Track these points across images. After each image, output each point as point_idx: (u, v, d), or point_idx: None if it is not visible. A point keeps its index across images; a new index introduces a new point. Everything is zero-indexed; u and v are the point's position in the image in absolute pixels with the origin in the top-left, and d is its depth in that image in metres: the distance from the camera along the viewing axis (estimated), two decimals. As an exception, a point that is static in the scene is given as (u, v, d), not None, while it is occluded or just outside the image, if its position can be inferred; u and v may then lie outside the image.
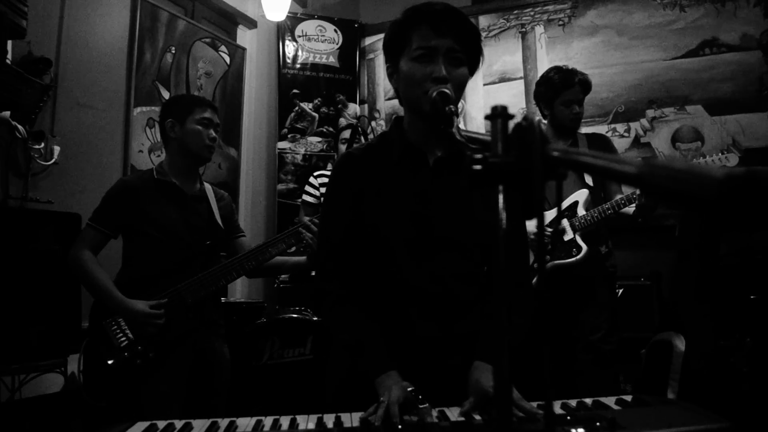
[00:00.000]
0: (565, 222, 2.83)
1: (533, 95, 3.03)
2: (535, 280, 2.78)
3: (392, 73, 1.47)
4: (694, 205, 0.39)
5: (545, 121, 2.97)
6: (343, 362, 1.48)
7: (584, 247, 2.78)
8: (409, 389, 1.20)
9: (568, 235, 2.82)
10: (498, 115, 0.63)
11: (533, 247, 2.80)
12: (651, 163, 0.44)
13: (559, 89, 2.85)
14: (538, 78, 3.07)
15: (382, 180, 1.46)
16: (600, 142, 2.97)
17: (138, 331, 2.22)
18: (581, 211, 2.83)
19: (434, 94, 1.30)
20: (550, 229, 2.81)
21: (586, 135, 3.02)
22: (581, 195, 2.85)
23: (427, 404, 1.16)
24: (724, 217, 0.37)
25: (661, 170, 0.42)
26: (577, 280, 2.79)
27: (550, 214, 2.83)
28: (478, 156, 0.60)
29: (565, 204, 2.86)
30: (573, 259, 2.78)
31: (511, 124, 0.64)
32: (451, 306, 1.41)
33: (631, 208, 2.69)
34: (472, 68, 1.46)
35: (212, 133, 2.42)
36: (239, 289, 4.65)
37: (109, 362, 2.21)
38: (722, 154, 2.76)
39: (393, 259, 1.41)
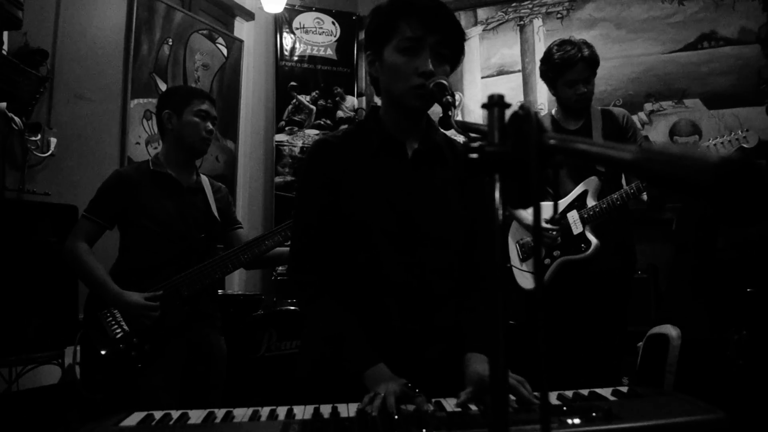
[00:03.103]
0: (574, 214, 2.66)
1: (539, 74, 2.85)
2: (547, 275, 2.72)
3: (373, 61, 1.44)
4: (689, 190, 0.38)
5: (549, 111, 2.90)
6: (314, 353, 1.47)
7: (594, 241, 2.61)
8: (404, 383, 1.20)
9: (577, 229, 2.65)
10: (495, 104, 0.63)
11: (542, 242, 2.75)
12: (647, 148, 0.44)
13: (561, 69, 2.65)
14: (536, 68, 2.98)
15: (360, 170, 1.43)
16: (611, 119, 2.76)
17: (133, 323, 2.22)
18: (591, 202, 2.64)
19: (431, 85, 1.31)
20: (554, 223, 2.67)
21: (602, 110, 2.80)
22: (591, 183, 2.67)
23: (423, 396, 1.16)
24: (719, 201, 0.37)
25: (657, 156, 0.42)
26: (588, 275, 2.64)
27: (558, 205, 2.71)
28: (475, 144, 0.60)
29: (574, 194, 2.70)
30: (582, 255, 2.62)
31: (508, 113, 0.64)
32: (428, 299, 1.41)
33: (645, 196, 2.55)
34: (453, 67, 1.44)
35: (209, 125, 2.42)
36: (237, 282, 4.65)
37: (104, 353, 2.21)
38: (740, 132, 2.61)
39: (371, 251, 1.40)
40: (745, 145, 2.56)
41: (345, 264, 1.43)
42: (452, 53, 1.41)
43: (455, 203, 1.47)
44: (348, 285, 1.42)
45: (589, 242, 2.62)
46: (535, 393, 1.17)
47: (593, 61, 2.66)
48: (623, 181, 2.69)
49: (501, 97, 0.63)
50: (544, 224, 2.64)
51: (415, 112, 1.45)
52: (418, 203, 1.42)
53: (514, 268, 2.94)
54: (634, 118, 4.30)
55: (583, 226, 2.64)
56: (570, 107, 2.73)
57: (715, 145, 2.61)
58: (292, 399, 1.20)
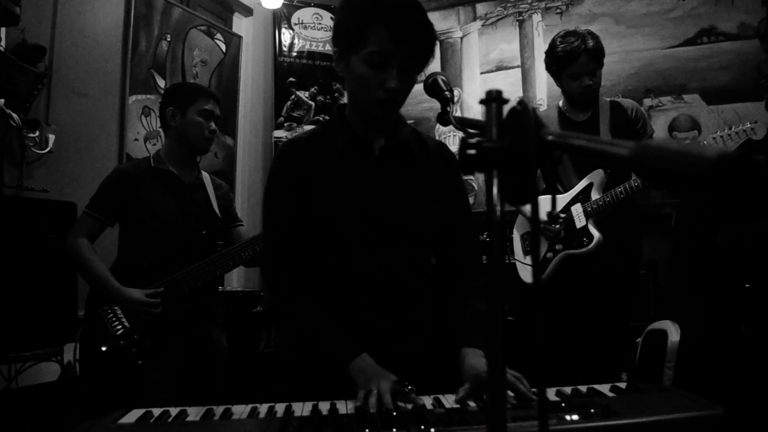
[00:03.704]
0: (578, 207, 2.62)
1: (544, 66, 2.79)
2: (549, 269, 2.69)
3: (340, 60, 1.42)
4: (688, 185, 0.38)
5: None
6: (295, 350, 1.48)
7: (596, 235, 2.56)
8: (395, 379, 1.19)
9: (581, 222, 2.61)
10: (492, 99, 0.63)
11: (545, 235, 2.74)
12: (645, 144, 0.43)
13: (564, 62, 2.60)
14: (535, 64, 2.94)
15: (328, 169, 1.44)
16: (619, 111, 2.71)
17: (134, 320, 2.22)
18: (595, 195, 2.59)
19: (430, 80, 1.31)
20: (563, 215, 2.66)
21: (611, 102, 2.75)
22: (596, 176, 2.62)
23: (415, 390, 1.16)
24: (718, 197, 0.37)
25: (655, 151, 0.41)
26: (591, 270, 2.61)
27: (561, 199, 2.70)
28: (472, 140, 0.60)
29: (579, 187, 2.65)
30: (584, 249, 2.58)
31: (506, 108, 0.63)
32: (400, 295, 1.41)
33: None
34: (422, 70, 1.42)
35: (212, 125, 2.42)
36: (236, 278, 4.65)
37: (105, 350, 2.21)
38: (748, 124, 2.54)
39: (341, 249, 1.40)
40: (753, 137, 2.51)
41: (316, 262, 1.43)
42: (421, 63, 1.40)
43: (425, 197, 1.47)
44: (320, 282, 1.42)
45: (591, 236, 2.58)
46: (534, 389, 1.17)
47: (598, 53, 2.59)
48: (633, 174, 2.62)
49: (499, 93, 0.63)
50: (545, 218, 2.63)
51: (379, 120, 1.45)
52: (386, 199, 1.42)
53: (517, 262, 2.94)
54: (635, 112, 4.30)
55: (586, 220, 2.60)
56: (576, 100, 2.69)
57: (722, 137, 2.57)
58: (275, 397, 1.20)
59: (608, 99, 2.78)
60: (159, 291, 2.24)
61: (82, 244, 2.27)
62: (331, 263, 1.42)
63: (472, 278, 1.49)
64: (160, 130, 2.54)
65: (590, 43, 2.57)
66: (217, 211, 2.48)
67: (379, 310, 1.39)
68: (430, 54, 1.41)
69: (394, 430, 0.96)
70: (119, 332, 2.23)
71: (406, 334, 1.41)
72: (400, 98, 1.38)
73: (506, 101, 0.63)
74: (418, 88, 1.40)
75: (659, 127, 4.26)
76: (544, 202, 2.50)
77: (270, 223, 1.52)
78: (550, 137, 0.56)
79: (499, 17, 4.89)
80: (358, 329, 1.36)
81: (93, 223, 2.31)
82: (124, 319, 2.24)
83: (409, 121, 5.37)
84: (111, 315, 2.25)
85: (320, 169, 1.44)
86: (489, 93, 0.63)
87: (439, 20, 5.00)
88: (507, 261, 3.02)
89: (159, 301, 2.22)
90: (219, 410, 1.11)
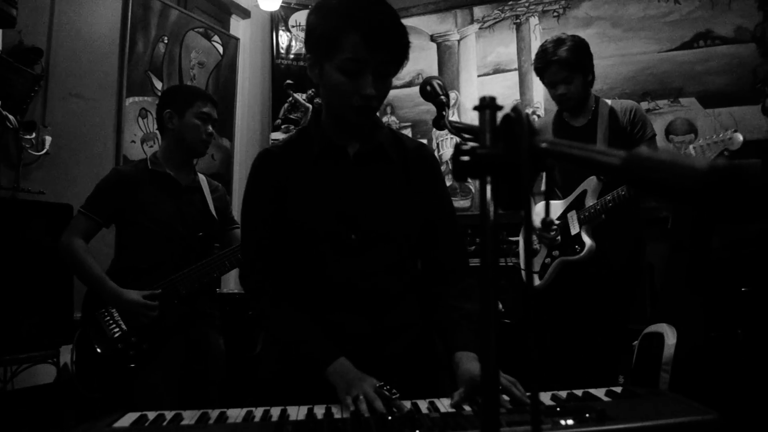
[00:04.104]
0: (573, 214, 2.63)
1: None
2: (547, 275, 2.71)
3: (313, 66, 1.40)
4: (677, 196, 0.38)
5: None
6: (274, 358, 1.49)
7: (588, 243, 2.56)
8: (376, 383, 1.19)
9: (575, 229, 2.61)
10: (486, 106, 0.63)
11: (542, 242, 2.76)
12: (635, 154, 0.43)
13: (539, 73, 2.65)
14: (532, 67, 2.94)
15: (303, 176, 1.44)
16: (617, 116, 2.66)
17: (131, 322, 2.22)
18: (588, 202, 2.60)
19: (426, 85, 1.30)
20: (558, 222, 2.67)
21: (611, 106, 2.69)
22: (589, 183, 2.61)
23: (399, 395, 1.16)
24: (707, 208, 0.37)
25: (645, 161, 0.41)
26: (586, 275, 2.60)
27: (560, 205, 2.71)
28: (466, 147, 0.60)
29: (576, 194, 2.66)
30: (576, 256, 2.59)
31: (500, 115, 0.63)
32: (379, 300, 1.41)
33: None
34: (396, 73, 1.42)
35: (210, 128, 2.42)
36: (233, 281, 4.64)
37: (102, 353, 2.21)
38: (728, 132, 2.52)
39: (319, 256, 1.40)
40: (730, 147, 2.50)
41: (295, 269, 1.43)
42: (396, 68, 1.39)
43: (403, 199, 1.46)
44: (299, 290, 1.42)
45: (583, 244, 2.58)
46: (529, 393, 1.17)
47: (566, 62, 2.55)
48: None
49: (492, 100, 0.63)
50: (539, 224, 2.65)
51: (354, 126, 1.44)
52: (361, 204, 1.42)
53: (522, 268, 2.95)
54: (631, 116, 4.30)
55: (580, 227, 2.60)
56: (560, 107, 2.72)
57: (701, 146, 2.56)
58: (267, 399, 1.20)
59: (609, 102, 2.76)
60: (156, 293, 2.24)
61: (78, 244, 2.27)
62: (310, 270, 1.42)
63: (460, 279, 1.48)
64: (157, 132, 2.54)
65: (562, 52, 2.55)
66: (213, 213, 2.48)
67: (359, 316, 1.39)
68: (405, 57, 1.40)
69: (389, 434, 0.96)
70: (116, 335, 2.22)
71: (386, 339, 1.41)
72: (376, 103, 1.37)
73: (500, 108, 0.63)
74: (416, 90, 1.39)
75: (656, 131, 4.26)
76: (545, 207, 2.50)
77: (248, 233, 1.52)
78: (543, 145, 0.57)
79: (497, 20, 4.89)
80: (338, 335, 1.36)
81: (88, 224, 2.30)
82: (121, 322, 2.23)
83: (406, 124, 5.33)
84: (108, 318, 2.24)
85: (295, 176, 1.44)
86: (482, 99, 0.63)
87: (436, 23, 5.01)
88: (505, 264, 3.02)
89: (156, 303, 2.22)
90: (214, 414, 1.11)
